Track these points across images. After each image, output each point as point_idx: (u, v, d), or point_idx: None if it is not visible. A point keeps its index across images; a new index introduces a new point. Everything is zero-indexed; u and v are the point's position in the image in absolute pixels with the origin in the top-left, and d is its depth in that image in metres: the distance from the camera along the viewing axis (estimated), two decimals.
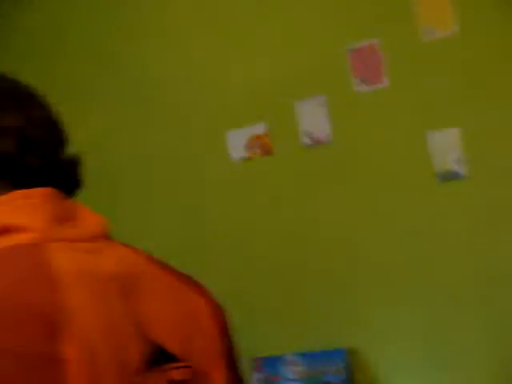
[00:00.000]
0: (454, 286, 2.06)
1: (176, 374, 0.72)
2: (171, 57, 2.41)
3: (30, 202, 0.72)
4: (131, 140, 2.50)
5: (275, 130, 2.26)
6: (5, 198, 0.73)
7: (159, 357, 0.71)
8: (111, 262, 0.73)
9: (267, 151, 2.27)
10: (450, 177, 2.04)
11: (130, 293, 0.72)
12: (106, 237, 0.77)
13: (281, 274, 2.29)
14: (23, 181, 0.75)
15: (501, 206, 1.98)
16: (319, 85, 2.19)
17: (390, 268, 2.12)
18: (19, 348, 0.61)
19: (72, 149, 0.83)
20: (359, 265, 2.17)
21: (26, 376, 0.61)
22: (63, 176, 0.80)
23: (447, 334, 2.07)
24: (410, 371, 2.11)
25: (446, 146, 2.03)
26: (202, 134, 2.38)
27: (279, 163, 2.26)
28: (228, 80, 2.32)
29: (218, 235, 2.37)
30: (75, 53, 2.54)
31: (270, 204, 2.27)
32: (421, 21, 2.03)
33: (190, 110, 2.39)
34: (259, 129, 2.28)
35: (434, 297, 2.09)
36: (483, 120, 1.99)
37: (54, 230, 0.71)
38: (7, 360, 0.60)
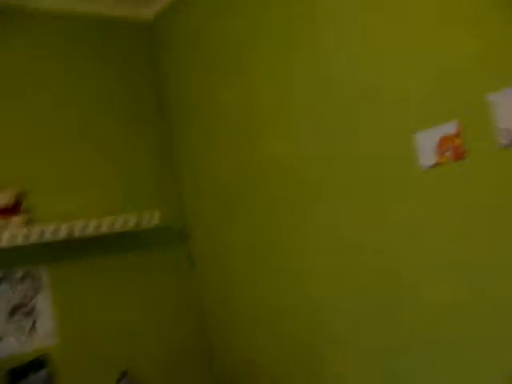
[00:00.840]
0: None
1: None
2: (349, 52, 2.19)
3: None
4: (311, 140, 2.39)
5: (469, 129, 1.88)
6: None
7: None
8: None
9: (460, 155, 1.90)
10: None
11: None
12: None
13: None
14: None
15: None
16: None
17: None
18: None
19: None
20: None
21: None
22: None
23: None
24: None
25: None
26: (384, 134, 2.12)
27: (474, 168, 1.88)
28: (410, 72, 2.01)
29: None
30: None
31: (464, 218, 1.91)
32: None
33: (368, 109, 2.16)
34: (450, 128, 1.92)
35: None
36: None
37: None
38: None
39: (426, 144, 1.99)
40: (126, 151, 3.02)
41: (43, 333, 2.65)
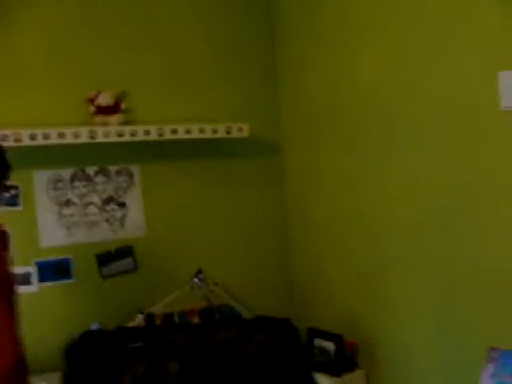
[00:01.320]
0: None
1: None
2: None
3: None
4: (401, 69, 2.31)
5: None
6: None
7: None
8: None
9: None
10: None
11: None
12: None
13: None
14: None
15: None
16: None
17: None
18: None
19: None
20: None
21: None
22: None
23: None
24: None
25: None
26: (467, 72, 1.99)
27: None
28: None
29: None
30: None
31: None
32: None
33: (453, 44, 2.03)
34: None
35: None
36: None
37: None
38: None
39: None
40: (230, 66, 3.09)
41: (132, 224, 2.90)
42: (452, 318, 2.17)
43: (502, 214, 1.96)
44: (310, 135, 2.96)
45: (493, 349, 1.92)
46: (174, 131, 2.76)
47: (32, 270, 2.67)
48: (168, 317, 2.83)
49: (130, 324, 2.66)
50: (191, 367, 1.38)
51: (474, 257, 2.06)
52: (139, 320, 2.68)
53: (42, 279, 2.69)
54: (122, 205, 2.89)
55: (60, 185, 2.76)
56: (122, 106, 2.79)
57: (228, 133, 2.87)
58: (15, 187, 2.64)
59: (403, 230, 2.39)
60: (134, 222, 2.91)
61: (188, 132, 2.79)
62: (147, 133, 2.71)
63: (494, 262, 1.99)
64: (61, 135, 2.55)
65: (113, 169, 2.86)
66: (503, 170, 1.95)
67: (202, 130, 2.81)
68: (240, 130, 2.89)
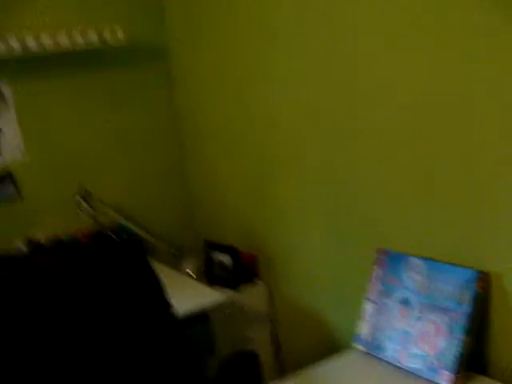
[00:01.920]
0: None
1: None
2: None
3: None
4: None
5: None
6: None
7: None
8: None
9: None
10: None
11: None
12: None
13: (418, 166, 1.74)
14: None
15: None
16: None
17: None
18: None
19: None
20: None
21: None
22: None
23: None
24: None
25: None
26: None
27: None
28: None
29: None
30: None
31: None
32: None
33: None
34: None
35: None
36: None
37: None
38: None
39: None
40: None
41: (9, 150, 2.64)
42: (344, 223, 2.10)
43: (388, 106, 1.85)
44: (199, 37, 2.73)
45: (381, 251, 1.87)
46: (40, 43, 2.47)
47: None
48: (56, 242, 2.66)
49: (14, 251, 2.49)
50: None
51: (364, 155, 1.97)
52: (21, 247, 2.51)
53: None
54: None
55: None
56: None
57: (101, 38, 2.59)
58: None
59: (290, 137, 2.27)
60: (11, 147, 2.65)
61: (58, 44, 2.50)
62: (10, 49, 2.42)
63: (385, 160, 1.90)
64: None
65: None
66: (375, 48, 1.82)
67: (71, 37, 2.53)
68: (114, 34, 2.61)
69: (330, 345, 2.28)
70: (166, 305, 1.44)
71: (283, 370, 2.64)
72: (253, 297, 2.61)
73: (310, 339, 2.41)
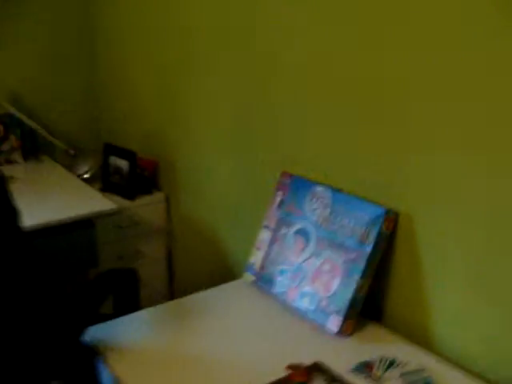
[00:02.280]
0: None
1: None
2: None
3: None
4: None
5: None
6: None
7: None
8: None
9: None
10: None
11: None
12: None
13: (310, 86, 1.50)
14: None
15: None
16: None
17: None
18: None
19: None
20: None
21: None
22: None
23: None
24: (469, 246, 1.30)
25: None
26: None
27: None
28: None
29: None
30: None
31: None
32: None
33: None
34: None
35: None
36: None
37: None
38: None
39: None
40: None
41: None
42: (248, 141, 1.86)
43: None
44: None
45: (284, 174, 1.65)
46: None
47: None
48: None
49: None
50: None
51: (269, 73, 1.71)
52: None
53: None
54: None
55: None
56: None
57: None
58: None
59: (202, 46, 1.97)
60: None
61: None
62: None
63: (291, 79, 1.65)
64: None
65: None
66: None
67: None
68: None
69: (224, 270, 2.09)
70: (10, 213, 1.18)
71: (173, 292, 2.46)
72: (149, 208, 2.37)
73: (205, 262, 2.21)
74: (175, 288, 2.46)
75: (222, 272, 2.09)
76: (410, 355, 1.36)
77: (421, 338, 1.43)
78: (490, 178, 1.23)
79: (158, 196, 2.39)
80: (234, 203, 1.99)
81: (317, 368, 1.30)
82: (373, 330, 1.46)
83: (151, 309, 1.56)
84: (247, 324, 1.49)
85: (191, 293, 1.65)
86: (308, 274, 1.51)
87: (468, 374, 1.31)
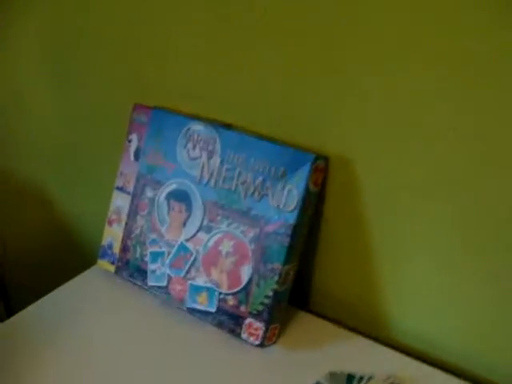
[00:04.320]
0: None
1: None
2: None
3: None
4: None
5: None
6: None
7: None
8: None
9: None
10: None
11: None
12: None
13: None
14: None
15: None
16: None
17: None
18: None
19: None
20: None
21: None
22: None
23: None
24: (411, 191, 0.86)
25: None
26: None
27: None
28: None
29: None
30: None
31: None
32: None
33: None
34: None
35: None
36: None
37: None
38: None
39: None
40: None
41: None
42: (76, 50, 1.23)
43: None
44: None
45: (140, 107, 1.08)
46: None
47: None
48: None
49: None
50: None
51: None
52: None
53: None
54: None
55: None
56: None
57: None
58: None
59: None
60: None
61: None
62: None
63: None
64: None
65: None
66: None
67: None
68: None
69: (66, 254, 1.50)
70: None
71: (3, 281, 1.81)
72: None
73: (39, 239, 1.59)
74: (6, 275, 1.81)
75: (63, 257, 1.49)
76: (366, 355, 0.93)
77: (374, 327, 1.01)
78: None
79: None
80: (64, 147, 1.37)
81: None
82: (305, 326, 1.01)
83: None
84: (117, 341, 0.96)
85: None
86: (198, 259, 1.00)
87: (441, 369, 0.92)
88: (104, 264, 1.12)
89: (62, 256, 1.47)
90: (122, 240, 1.09)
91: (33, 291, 1.27)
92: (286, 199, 0.90)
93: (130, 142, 1.07)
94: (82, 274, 1.14)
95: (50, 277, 1.38)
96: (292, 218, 0.90)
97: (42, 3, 1.19)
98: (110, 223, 1.10)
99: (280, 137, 0.97)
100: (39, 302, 1.05)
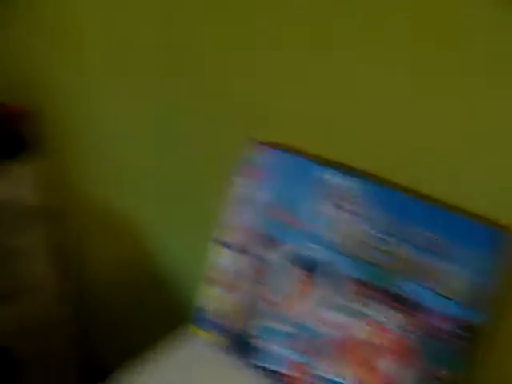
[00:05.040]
0: None
1: None
2: None
3: None
4: None
5: None
6: None
7: None
8: None
9: None
10: None
11: None
12: None
13: None
14: None
15: None
16: None
17: None
18: None
19: None
20: None
21: None
22: None
23: None
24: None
25: None
26: None
27: None
28: None
29: None
30: None
31: None
32: None
33: None
34: None
35: None
36: None
37: None
38: None
39: None
40: None
41: None
42: (178, 83, 1.04)
43: None
44: None
45: (258, 146, 0.87)
46: None
47: None
48: None
49: None
50: None
51: None
52: None
53: None
54: None
55: None
56: None
57: None
58: None
59: None
60: None
61: None
62: None
63: None
64: None
65: None
66: None
67: None
68: None
69: (154, 295, 1.30)
70: None
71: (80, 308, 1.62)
72: (15, 181, 1.50)
73: (118, 272, 1.40)
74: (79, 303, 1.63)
75: (150, 298, 1.30)
76: None
77: None
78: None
79: (32, 161, 1.50)
80: (162, 188, 1.17)
81: None
82: None
83: None
84: None
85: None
86: (330, 344, 0.79)
87: None
88: (199, 331, 0.91)
89: (146, 302, 1.28)
90: (227, 308, 0.88)
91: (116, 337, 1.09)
92: (457, 285, 0.68)
93: (238, 187, 0.87)
94: (173, 335, 0.94)
95: (131, 321, 1.20)
96: (479, 316, 0.67)
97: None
98: (209, 283, 0.90)
99: (444, 197, 0.75)
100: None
